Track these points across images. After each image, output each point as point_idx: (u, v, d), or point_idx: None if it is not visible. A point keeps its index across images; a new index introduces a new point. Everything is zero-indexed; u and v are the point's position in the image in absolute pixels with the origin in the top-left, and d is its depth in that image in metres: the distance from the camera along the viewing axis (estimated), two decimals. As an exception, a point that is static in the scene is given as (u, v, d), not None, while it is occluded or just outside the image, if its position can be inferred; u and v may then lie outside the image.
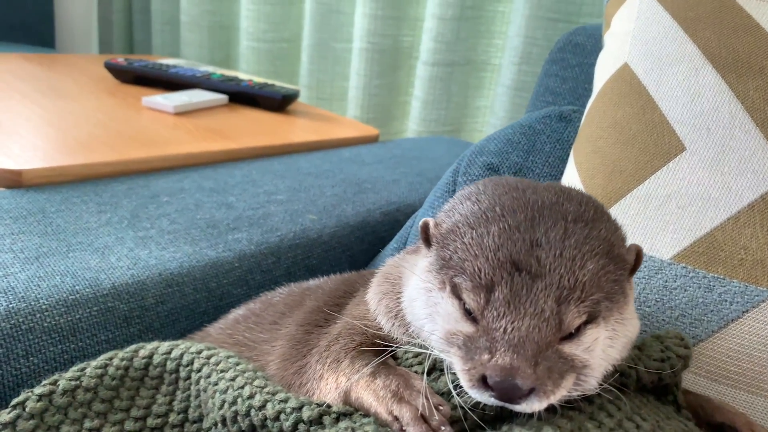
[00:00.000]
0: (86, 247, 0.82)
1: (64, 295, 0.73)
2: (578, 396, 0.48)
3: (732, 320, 0.65)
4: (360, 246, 1.01)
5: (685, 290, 0.67)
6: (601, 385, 0.49)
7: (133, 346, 0.66)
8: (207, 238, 0.90)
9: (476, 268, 0.48)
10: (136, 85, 1.61)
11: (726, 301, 0.65)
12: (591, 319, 0.48)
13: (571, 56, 1.11)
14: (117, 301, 0.75)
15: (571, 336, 0.47)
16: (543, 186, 0.55)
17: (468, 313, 0.49)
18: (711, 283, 0.66)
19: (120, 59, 1.65)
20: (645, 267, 0.70)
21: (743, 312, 0.65)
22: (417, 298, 0.54)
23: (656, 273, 0.69)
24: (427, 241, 0.56)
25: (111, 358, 0.65)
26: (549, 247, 0.48)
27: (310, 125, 1.50)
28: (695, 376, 0.66)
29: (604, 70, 0.82)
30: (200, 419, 0.63)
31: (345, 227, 1.01)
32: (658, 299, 0.69)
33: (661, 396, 0.57)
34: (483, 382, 0.45)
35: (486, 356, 0.45)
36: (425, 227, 0.56)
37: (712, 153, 0.69)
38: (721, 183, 0.68)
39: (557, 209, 0.50)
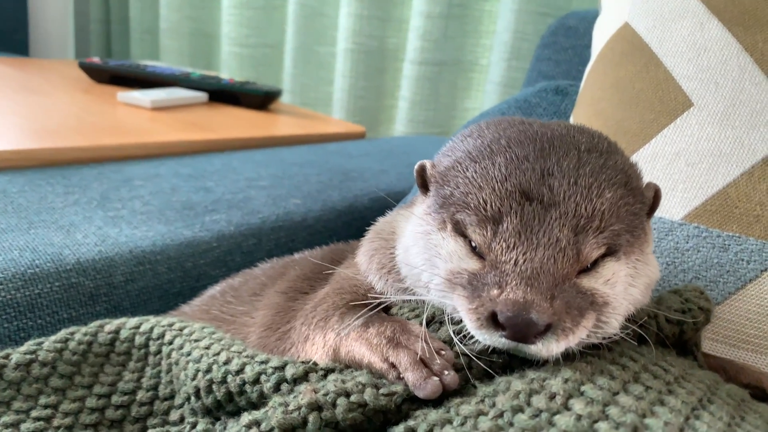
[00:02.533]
0: (50, 224, 0.76)
1: (22, 269, 0.66)
2: (598, 341, 0.42)
3: (750, 280, 0.60)
4: (347, 231, 0.95)
5: (698, 251, 0.63)
6: (621, 332, 0.43)
7: (98, 321, 0.60)
8: (183, 218, 0.84)
9: (481, 200, 0.43)
10: (112, 85, 1.56)
11: (743, 260, 0.61)
12: (610, 253, 0.43)
13: (564, 39, 1.08)
14: (82, 277, 0.69)
15: (588, 270, 0.42)
16: (550, 122, 0.50)
17: (473, 251, 0.43)
18: (726, 242, 0.62)
19: (95, 58, 1.60)
20: (655, 229, 0.65)
21: (762, 271, 0.60)
22: (414, 244, 0.49)
23: (667, 234, 0.65)
24: (424, 186, 0.51)
25: (73, 333, 0.59)
26: (562, 176, 0.43)
27: (294, 121, 1.45)
28: (712, 342, 0.61)
29: (602, 33, 0.79)
30: (172, 396, 0.56)
31: (331, 212, 0.96)
32: (670, 262, 0.64)
33: (680, 356, 0.52)
34: (492, 320, 0.39)
35: (495, 291, 0.40)
36: (421, 170, 0.51)
37: (721, 107, 0.65)
38: (733, 138, 0.64)
39: (568, 140, 0.46)
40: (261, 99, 1.47)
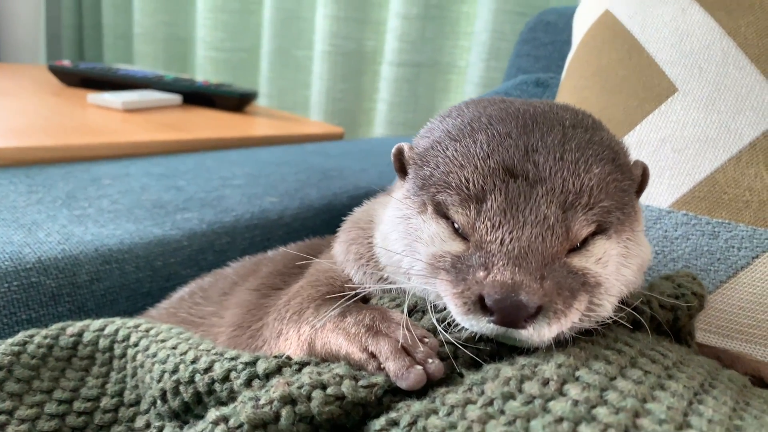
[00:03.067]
0: (10, 223, 0.71)
1: (-23, 268, 0.62)
2: (590, 326, 0.40)
3: (741, 268, 0.58)
4: (326, 229, 0.92)
5: (687, 239, 0.61)
6: (614, 316, 0.41)
7: (59, 323, 0.56)
8: (152, 217, 0.80)
9: (463, 179, 0.40)
10: (83, 88, 1.51)
11: (733, 247, 0.59)
12: (600, 231, 0.40)
13: (543, 35, 1.06)
14: (43, 276, 0.65)
15: (577, 249, 0.39)
16: (532, 100, 0.48)
17: (456, 232, 0.41)
18: (716, 229, 0.60)
19: (65, 61, 1.55)
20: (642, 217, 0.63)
21: (753, 258, 0.58)
22: (393, 229, 0.46)
23: (655, 223, 0.63)
24: (402, 170, 0.48)
25: (32, 335, 0.55)
26: (547, 151, 0.40)
27: (270, 123, 1.42)
28: (704, 333, 0.59)
29: (583, 22, 0.77)
30: (137, 402, 0.52)
31: (309, 210, 0.93)
32: (659, 251, 0.62)
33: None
34: (479, 305, 0.37)
35: (481, 273, 0.37)
36: (399, 153, 0.48)
37: (706, 92, 0.64)
38: (719, 122, 0.62)
39: (552, 116, 0.44)
40: (236, 101, 1.43)
